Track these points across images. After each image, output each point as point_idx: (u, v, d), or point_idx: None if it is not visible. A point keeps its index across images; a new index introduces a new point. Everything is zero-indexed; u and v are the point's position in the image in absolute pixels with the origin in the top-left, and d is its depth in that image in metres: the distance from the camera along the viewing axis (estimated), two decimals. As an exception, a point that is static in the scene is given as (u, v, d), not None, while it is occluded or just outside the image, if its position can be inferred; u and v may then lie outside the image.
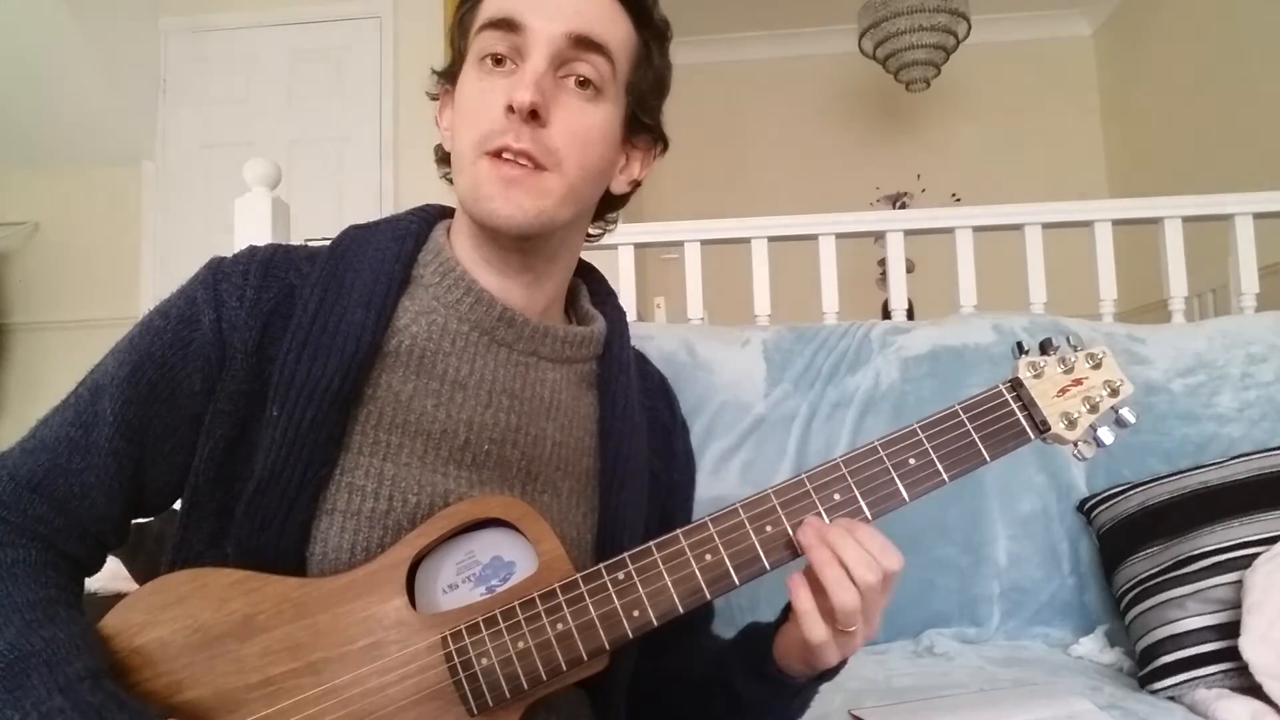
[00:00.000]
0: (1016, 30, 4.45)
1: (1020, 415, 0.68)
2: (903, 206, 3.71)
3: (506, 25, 0.71)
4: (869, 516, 0.66)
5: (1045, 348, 0.70)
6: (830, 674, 0.74)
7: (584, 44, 0.71)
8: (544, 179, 0.71)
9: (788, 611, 0.72)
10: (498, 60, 0.72)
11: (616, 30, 0.74)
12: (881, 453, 0.67)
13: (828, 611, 0.64)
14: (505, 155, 0.70)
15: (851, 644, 0.66)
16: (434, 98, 0.81)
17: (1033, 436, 0.69)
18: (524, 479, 0.75)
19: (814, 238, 1.92)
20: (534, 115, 0.69)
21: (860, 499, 0.66)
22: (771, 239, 1.92)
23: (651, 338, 1.46)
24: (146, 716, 0.58)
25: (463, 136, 0.73)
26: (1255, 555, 1.12)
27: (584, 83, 0.72)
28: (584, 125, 0.72)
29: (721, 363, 1.52)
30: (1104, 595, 1.37)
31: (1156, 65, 3.92)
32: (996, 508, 1.42)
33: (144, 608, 0.64)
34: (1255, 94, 3.17)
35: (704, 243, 1.91)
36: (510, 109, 0.69)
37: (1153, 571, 1.22)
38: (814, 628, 0.64)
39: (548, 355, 0.78)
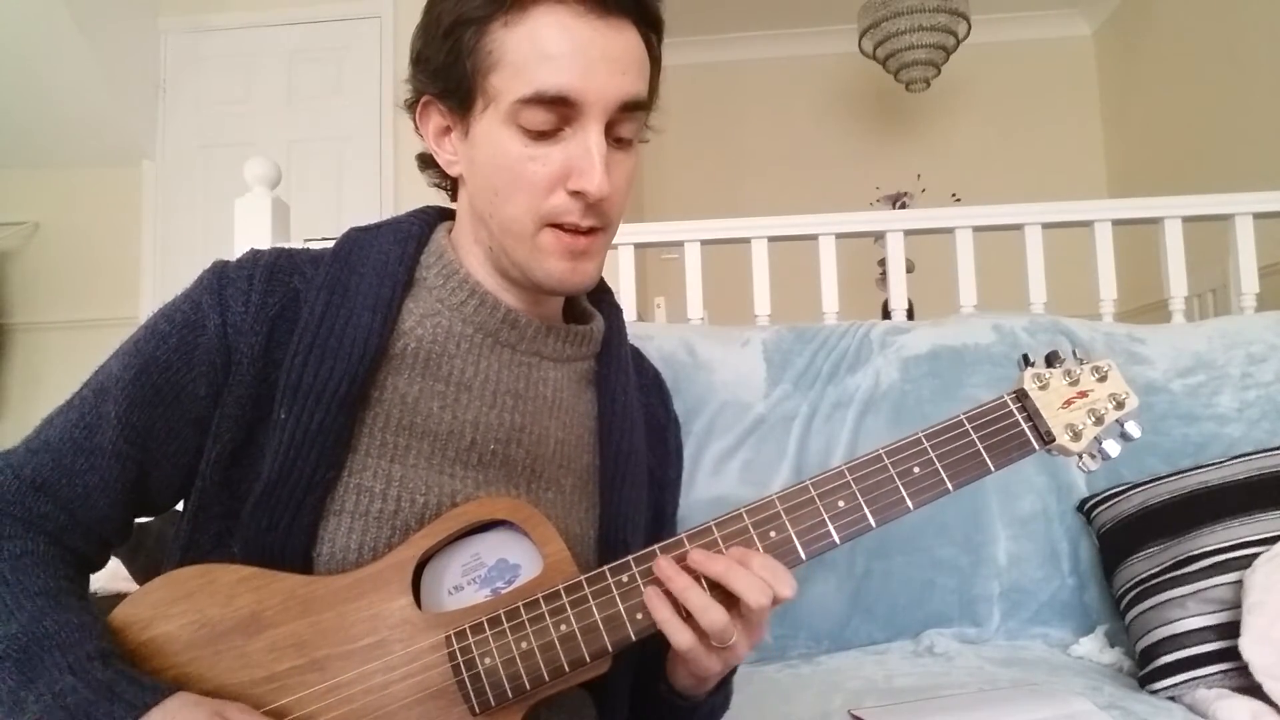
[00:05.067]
0: (1016, 30, 4.45)
1: (1025, 426, 0.69)
2: (903, 206, 3.70)
3: (562, 103, 0.67)
4: (873, 524, 0.67)
5: (1051, 360, 0.71)
6: (725, 683, 0.75)
7: (630, 107, 0.70)
8: (602, 239, 0.73)
9: None
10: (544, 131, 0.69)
11: (646, 71, 0.72)
12: (886, 460, 0.68)
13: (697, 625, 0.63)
14: (573, 229, 0.71)
15: (734, 654, 0.66)
16: (411, 103, 0.77)
17: (1037, 447, 0.69)
18: (529, 477, 0.75)
19: (814, 238, 1.92)
20: None
21: (864, 506, 0.67)
22: (771, 239, 1.91)
23: (651, 338, 1.46)
24: (157, 690, 0.59)
25: (513, 203, 0.71)
26: (1255, 555, 1.12)
27: (622, 139, 0.72)
28: (625, 180, 0.73)
29: (721, 363, 1.52)
30: (1104, 595, 1.37)
31: (1156, 65, 3.92)
32: (996, 508, 1.42)
33: (151, 602, 0.65)
34: (1255, 94, 3.17)
35: (704, 243, 1.91)
36: (577, 194, 0.69)
37: (1153, 571, 1.22)
38: (678, 634, 0.63)
39: (550, 355, 0.79)
